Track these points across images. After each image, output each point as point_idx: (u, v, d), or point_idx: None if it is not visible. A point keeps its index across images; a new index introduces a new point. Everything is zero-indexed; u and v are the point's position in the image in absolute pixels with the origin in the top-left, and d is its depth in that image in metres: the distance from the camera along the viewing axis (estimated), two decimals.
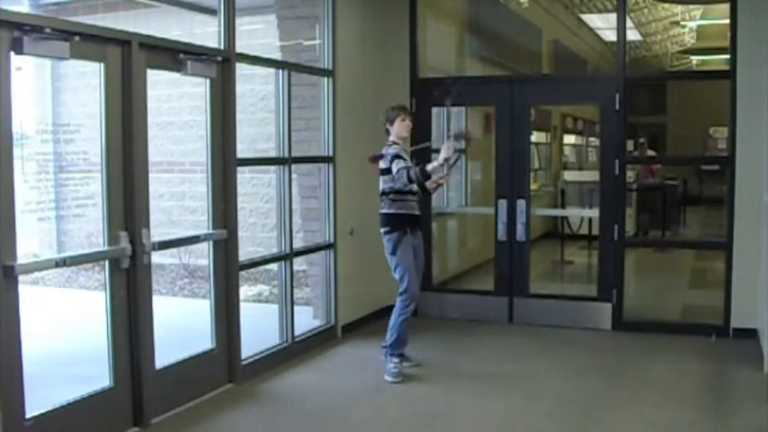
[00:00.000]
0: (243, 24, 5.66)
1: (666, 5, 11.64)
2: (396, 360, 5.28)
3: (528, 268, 6.89)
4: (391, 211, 5.25)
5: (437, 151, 7.49)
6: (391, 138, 5.32)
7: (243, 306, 5.22)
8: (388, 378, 5.19)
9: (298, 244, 6.11)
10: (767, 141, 5.63)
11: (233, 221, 5.05)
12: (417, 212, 5.35)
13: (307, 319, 6.39)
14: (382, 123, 5.38)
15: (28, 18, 3.79)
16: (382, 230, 5.30)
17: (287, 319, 5.74)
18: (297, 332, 5.84)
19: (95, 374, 4.24)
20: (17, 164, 3.63)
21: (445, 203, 8.63)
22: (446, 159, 5.12)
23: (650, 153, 12.09)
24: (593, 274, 7.20)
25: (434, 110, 7.22)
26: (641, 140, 11.72)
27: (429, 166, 5.14)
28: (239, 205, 5.18)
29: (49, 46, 3.70)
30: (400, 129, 5.31)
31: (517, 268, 6.85)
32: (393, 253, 5.25)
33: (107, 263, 4.20)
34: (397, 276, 5.28)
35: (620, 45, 6.54)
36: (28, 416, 3.67)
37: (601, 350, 6.02)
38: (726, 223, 6.31)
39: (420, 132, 6.89)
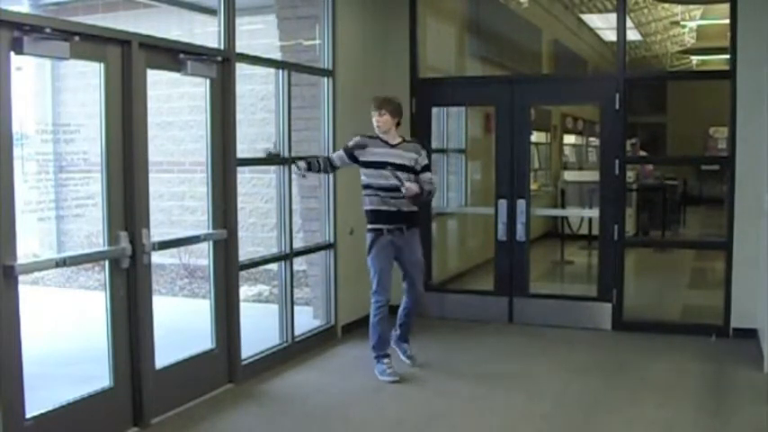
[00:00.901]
0: (243, 24, 5.65)
1: (666, 5, 11.63)
2: (386, 361, 5.29)
3: (528, 268, 6.89)
4: (367, 208, 5.28)
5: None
6: None
7: (243, 306, 5.22)
8: (383, 379, 5.19)
9: (298, 244, 6.11)
10: (767, 141, 5.63)
11: (233, 221, 5.05)
12: (395, 209, 5.17)
13: (307, 319, 6.39)
14: None
15: (28, 18, 3.78)
16: None
17: (287, 319, 5.74)
18: (297, 332, 5.84)
19: (95, 374, 4.24)
20: (17, 164, 3.62)
21: (445, 203, 8.63)
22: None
23: (642, 153, 12.08)
24: (593, 274, 7.19)
25: (434, 110, 7.23)
26: (633, 141, 11.70)
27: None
28: (239, 205, 5.18)
29: (49, 46, 3.70)
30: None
31: (517, 268, 6.84)
32: (367, 253, 5.31)
33: (107, 263, 4.20)
34: (370, 277, 5.33)
35: (620, 45, 6.54)
36: (28, 416, 3.67)
37: (601, 350, 6.02)
38: (726, 223, 6.31)
39: (421, 132, 6.91)
